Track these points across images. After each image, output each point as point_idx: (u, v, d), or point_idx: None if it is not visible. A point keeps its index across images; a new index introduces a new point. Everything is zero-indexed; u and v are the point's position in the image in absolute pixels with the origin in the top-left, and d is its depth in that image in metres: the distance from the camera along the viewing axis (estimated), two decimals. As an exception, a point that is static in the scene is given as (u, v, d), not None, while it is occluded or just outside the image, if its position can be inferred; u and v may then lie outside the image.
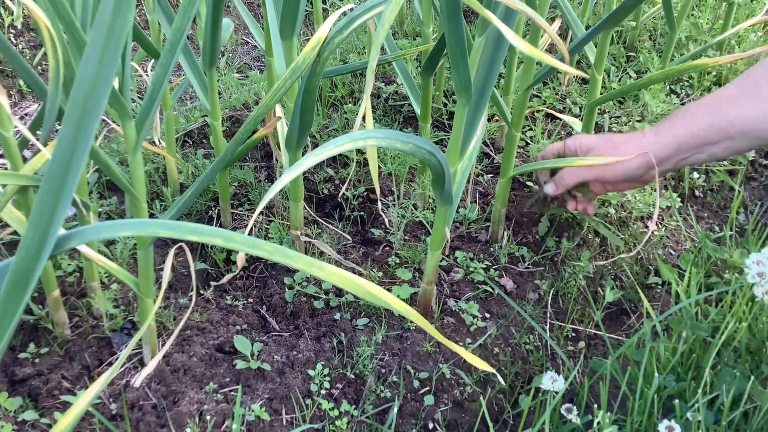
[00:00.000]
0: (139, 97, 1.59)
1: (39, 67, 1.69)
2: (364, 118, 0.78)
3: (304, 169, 0.69)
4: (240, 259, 0.68)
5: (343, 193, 1.28)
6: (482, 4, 0.79)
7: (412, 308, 0.65)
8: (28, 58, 1.72)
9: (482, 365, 0.74)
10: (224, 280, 0.99)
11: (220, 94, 1.58)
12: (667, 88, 1.61)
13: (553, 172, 1.17)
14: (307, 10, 1.80)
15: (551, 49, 1.47)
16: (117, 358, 1.02)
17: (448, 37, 0.83)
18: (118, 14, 0.47)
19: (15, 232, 1.14)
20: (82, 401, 0.70)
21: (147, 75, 1.44)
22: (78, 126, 0.51)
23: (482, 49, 0.90)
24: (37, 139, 0.81)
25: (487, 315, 1.14)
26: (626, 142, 1.07)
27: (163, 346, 1.04)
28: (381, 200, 1.27)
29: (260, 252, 0.60)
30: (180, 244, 0.95)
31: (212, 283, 1.14)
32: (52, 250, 0.54)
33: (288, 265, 0.60)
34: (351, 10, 0.91)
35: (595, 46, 1.24)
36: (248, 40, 1.90)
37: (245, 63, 1.81)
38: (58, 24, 0.74)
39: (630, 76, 1.65)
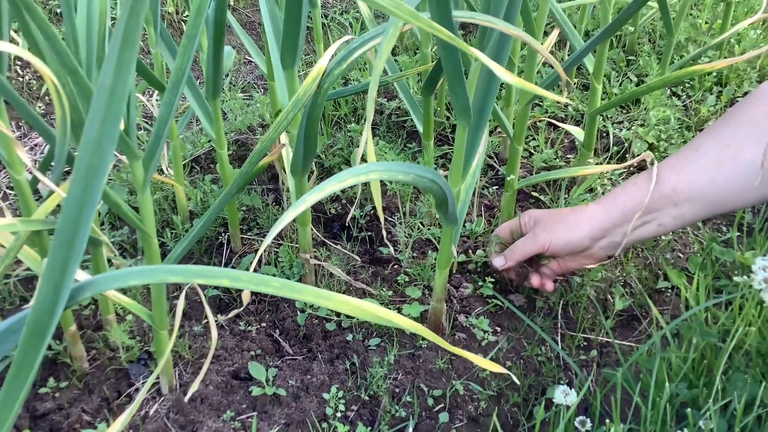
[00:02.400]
0: (144, 121, 1.61)
1: (47, 97, 1.72)
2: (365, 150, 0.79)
3: (308, 206, 0.70)
4: (245, 297, 0.70)
5: (351, 214, 1.29)
6: (477, 32, 0.81)
7: (423, 326, 0.66)
8: (34, 89, 1.74)
9: (496, 368, 0.74)
10: (231, 315, 1.01)
11: (225, 116, 1.59)
12: (669, 91, 1.62)
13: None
14: (308, 26, 1.82)
15: (552, 53, 1.47)
16: (135, 390, 1.04)
17: (444, 63, 0.84)
18: (119, 77, 0.49)
19: (30, 268, 1.16)
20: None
21: (150, 104, 1.46)
22: (85, 183, 0.53)
23: (479, 71, 0.91)
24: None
25: (498, 329, 1.15)
26: (571, 213, 1.08)
27: (179, 375, 1.06)
28: (387, 219, 1.28)
29: (268, 289, 0.61)
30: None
31: (219, 317, 1.16)
32: (66, 303, 0.56)
33: (296, 299, 0.61)
34: (351, 39, 0.93)
35: (594, 55, 1.25)
36: (250, 59, 1.92)
37: (249, 82, 1.83)
38: (64, 74, 0.76)
39: (630, 80, 1.65)
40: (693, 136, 1.51)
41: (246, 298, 0.70)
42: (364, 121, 1.55)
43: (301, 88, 0.88)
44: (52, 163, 0.87)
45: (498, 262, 1.14)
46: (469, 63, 1.03)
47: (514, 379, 0.82)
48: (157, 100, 1.50)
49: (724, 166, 0.96)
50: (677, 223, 1.03)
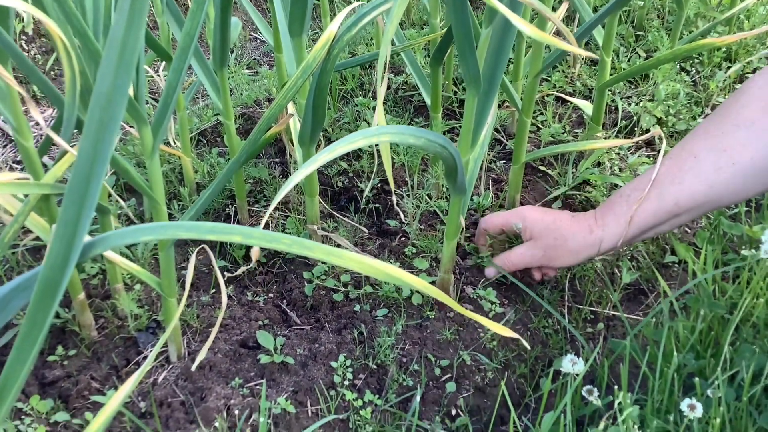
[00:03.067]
0: (151, 97, 1.60)
1: (51, 72, 1.71)
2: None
3: (318, 165, 0.70)
4: (254, 253, 0.69)
5: (359, 186, 1.29)
6: (485, 7, 0.80)
7: (433, 289, 0.66)
8: (39, 63, 1.74)
9: (506, 332, 0.74)
10: (239, 271, 1.00)
11: (231, 92, 1.59)
12: (678, 66, 1.61)
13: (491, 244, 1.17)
14: (314, 3, 1.81)
15: (558, 34, 1.47)
16: (144, 357, 1.04)
17: (455, 28, 0.84)
18: (131, 30, 0.49)
19: (38, 238, 1.16)
20: (114, 401, 0.72)
21: (158, 76, 1.45)
22: (97, 138, 0.53)
23: (490, 38, 0.90)
24: (56, 146, 0.82)
25: (505, 301, 1.15)
26: (574, 238, 1.06)
27: (187, 343, 1.06)
28: (395, 191, 1.28)
29: (279, 245, 0.61)
30: (201, 245, 0.96)
31: (239, 280, 1.16)
32: (78, 258, 0.56)
33: (307, 256, 0.61)
34: (359, 6, 0.92)
35: (603, 29, 1.24)
36: (257, 35, 1.91)
37: (255, 59, 1.82)
38: (71, 34, 0.76)
39: (639, 56, 1.64)
40: (702, 112, 1.51)
41: (255, 254, 0.70)
42: (372, 93, 1.54)
43: (310, 54, 0.88)
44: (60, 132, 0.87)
45: (490, 273, 1.14)
46: (478, 34, 1.02)
47: (525, 343, 0.82)
48: (164, 72, 1.49)
49: (723, 172, 0.96)
50: (673, 227, 1.05)
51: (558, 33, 1.47)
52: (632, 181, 1.05)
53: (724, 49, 1.61)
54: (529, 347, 0.96)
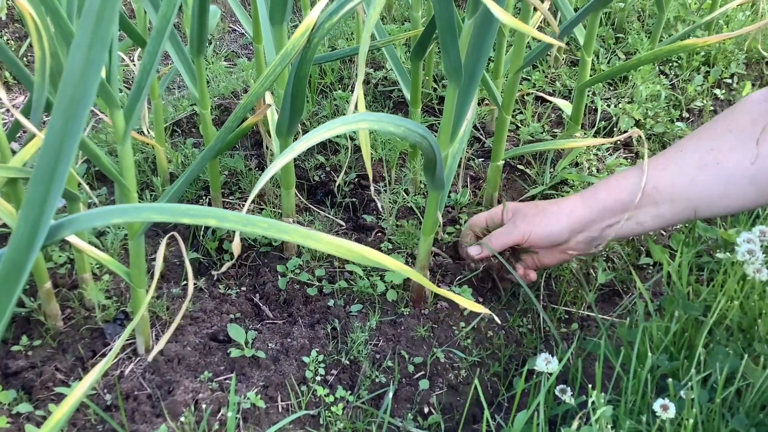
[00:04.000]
0: (125, 86, 1.58)
1: (24, 59, 1.68)
2: (356, 105, 0.77)
3: (297, 152, 0.69)
4: (236, 247, 0.68)
5: (335, 181, 1.27)
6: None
7: (410, 270, 0.64)
8: (13, 49, 1.70)
9: (478, 308, 0.73)
10: (223, 269, 0.98)
11: (208, 82, 1.56)
12: (657, 69, 1.61)
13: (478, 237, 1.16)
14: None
15: (540, 30, 1.46)
16: (110, 349, 1.02)
17: (438, 18, 0.83)
18: (107, 2, 0.47)
19: (5, 225, 1.13)
20: (77, 392, 0.69)
21: (133, 64, 1.43)
22: (68, 114, 0.51)
23: (472, 30, 0.89)
24: (25, 132, 0.80)
25: (481, 299, 1.14)
26: (551, 205, 1.07)
27: (156, 336, 1.04)
28: (373, 186, 1.27)
29: (255, 229, 0.59)
30: (172, 233, 0.94)
31: (212, 273, 1.14)
32: (44, 240, 0.54)
33: (284, 240, 0.59)
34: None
35: (584, 28, 1.24)
36: (235, 27, 1.89)
37: (233, 51, 1.80)
38: (44, 14, 0.73)
39: (619, 58, 1.65)
40: (680, 115, 1.51)
41: (236, 248, 0.68)
42: (351, 87, 1.53)
43: (290, 41, 0.86)
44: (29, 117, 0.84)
45: (474, 250, 1.11)
46: (461, 28, 1.01)
47: (496, 319, 0.82)
48: (139, 60, 1.47)
49: (706, 170, 0.97)
50: (657, 223, 1.03)
51: (539, 30, 1.47)
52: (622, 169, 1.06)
53: (702, 54, 1.62)
54: (498, 321, 0.96)
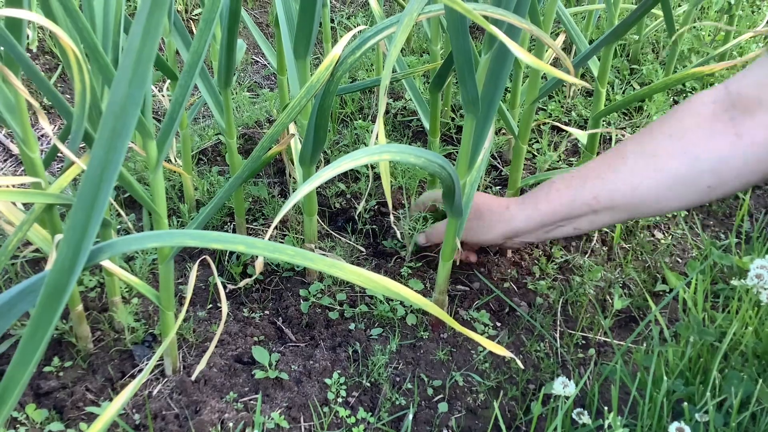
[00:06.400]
0: (154, 117, 1.62)
1: (59, 85, 1.73)
2: (377, 136, 0.81)
3: (322, 181, 0.72)
4: (258, 265, 0.71)
5: (356, 208, 1.31)
6: (485, 36, 0.82)
7: (424, 318, 0.67)
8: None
9: (501, 351, 0.75)
10: (241, 284, 1.02)
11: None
12: (671, 99, 1.64)
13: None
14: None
15: (555, 64, 1.50)
16: (139, 370, 1.05)
17: (455, 54, 0.86)
18: (147, 40, 0.51)
19: (37, 250, 1.17)
20: (110, 411, 0.72)
21: (162, 95, 1.48)
22: (109, 146, 0.54)
23: (488, 64, 0.93)
24: (55, 167, 0.84)
25: (498, 324, 1.16)
26: (490, 211, 1.10)
27: (182, 357, 1.07)
28: (392, 213, 1.30)
29: (282, 255, 0.62)
30: (203, 257, 0.98)
31: (237, 294, 1.17)
32: (85, 263, 0.57)
33: (309, 267, 0.62)
34: (362, 30, 0.95)
35: (599, 60, 1.27)
36: (258, 59, 1.94)
37: (256, 82, 1.85)
38: (81, 48, 0.78)
39: (634, 88, 1.68)
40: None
41: (259, 266, 0.71)
42: (371, 117, 1.57)
43: (315, 75, 0.90)
44: (67, 141, 0.89)
45: (420, 239, 1.21)
46: (477, 61, 1.05)
47: (519, 363, 0.84)
48: (168, 92, 1.52)
49: (648, 177, 0.97)
50: (593, 226, 1.05)
51: (554, 65, 1.51)
52: (564, 174, 1.08)
53: (714, 82, 1.65)
54: (522, 367, 0.98)
